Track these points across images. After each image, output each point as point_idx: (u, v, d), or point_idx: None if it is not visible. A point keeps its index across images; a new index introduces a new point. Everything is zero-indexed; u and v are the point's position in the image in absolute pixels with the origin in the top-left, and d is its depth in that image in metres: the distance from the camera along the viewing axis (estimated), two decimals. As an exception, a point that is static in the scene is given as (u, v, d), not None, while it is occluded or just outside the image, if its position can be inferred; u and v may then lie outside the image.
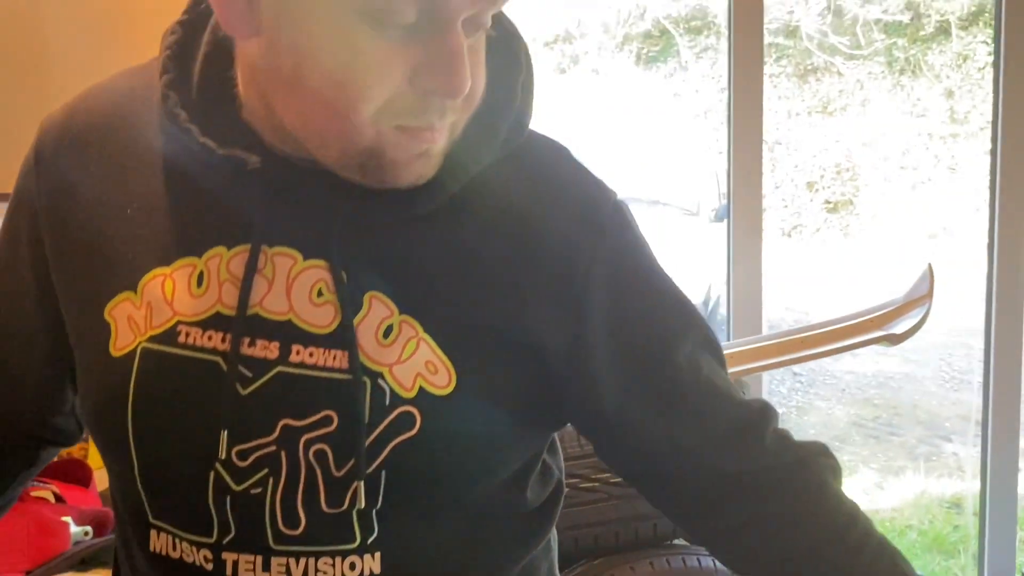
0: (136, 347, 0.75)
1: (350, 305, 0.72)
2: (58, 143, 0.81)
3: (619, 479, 1.74)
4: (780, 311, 5.49)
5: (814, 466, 0.82)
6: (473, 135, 0.73)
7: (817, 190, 6.03)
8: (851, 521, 0.81)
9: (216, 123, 0.74)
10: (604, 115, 5.45)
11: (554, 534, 0.93)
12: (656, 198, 4.96)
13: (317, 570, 0.73)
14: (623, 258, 0.79)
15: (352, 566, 0.74)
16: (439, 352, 0.73)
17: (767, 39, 5.96)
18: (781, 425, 0.84)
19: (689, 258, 4.01)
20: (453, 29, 0.64)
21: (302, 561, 0.73)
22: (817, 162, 5.95)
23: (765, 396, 4.83)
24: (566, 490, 1.71)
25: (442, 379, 0.73)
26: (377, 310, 0.73)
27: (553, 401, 0.79)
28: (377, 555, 0.74)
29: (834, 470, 0.84)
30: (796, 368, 4.79)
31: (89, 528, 1.47)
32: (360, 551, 0.74)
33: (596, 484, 1.75)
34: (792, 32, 5.76)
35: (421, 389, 0.72)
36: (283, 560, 0.73)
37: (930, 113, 5.55)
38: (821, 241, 5.87)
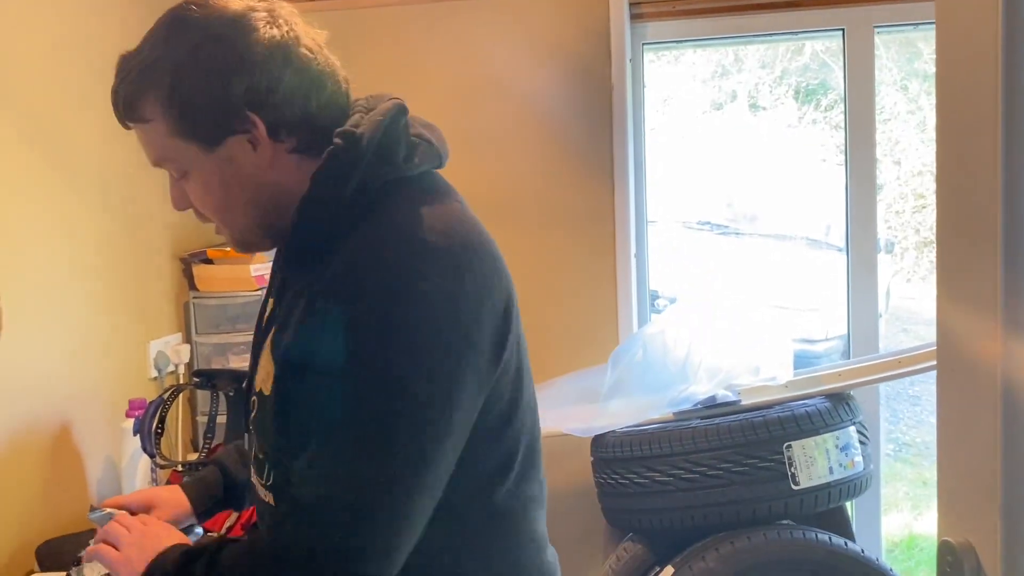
0: None
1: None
2: None
3: (741, 468, 2.16)
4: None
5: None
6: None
7: None
8: None
9: None
10: (763, 150, 5.73)
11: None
12: (810, 234, 5.20)
13: (262, 496, 1.13)
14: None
15: (265, 494, 1.13)
16: (272, 367, 1.09)
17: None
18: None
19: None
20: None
21: (260, 487, 1.14)
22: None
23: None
24: (696, 476, 2.13)
25: (268, 386, 1.10)
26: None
27: None
28: (271, 494, 1.11)
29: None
30: None
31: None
32: (266, 487, 1.12)
33: (720, 472, 2.16)
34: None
35: (260, 390, 1.13)
36: (257, 481, 1.15)
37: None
38: None
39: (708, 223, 5.16)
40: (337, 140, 1.04)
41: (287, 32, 1.05)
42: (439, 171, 1.17)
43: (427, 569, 1.04)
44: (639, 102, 2.85)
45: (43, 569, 1.95)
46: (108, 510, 1.33)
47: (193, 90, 1.02)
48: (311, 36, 1.09)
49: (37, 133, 2.14)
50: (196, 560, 1.02)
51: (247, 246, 1.14)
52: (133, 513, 1.30)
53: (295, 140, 1.07)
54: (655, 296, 2.94)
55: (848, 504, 2.40)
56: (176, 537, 1.13)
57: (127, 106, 1.06)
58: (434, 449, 0.97)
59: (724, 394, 2.32)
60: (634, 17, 2.80)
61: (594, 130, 2.75)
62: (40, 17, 2.17)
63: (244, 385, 1.23)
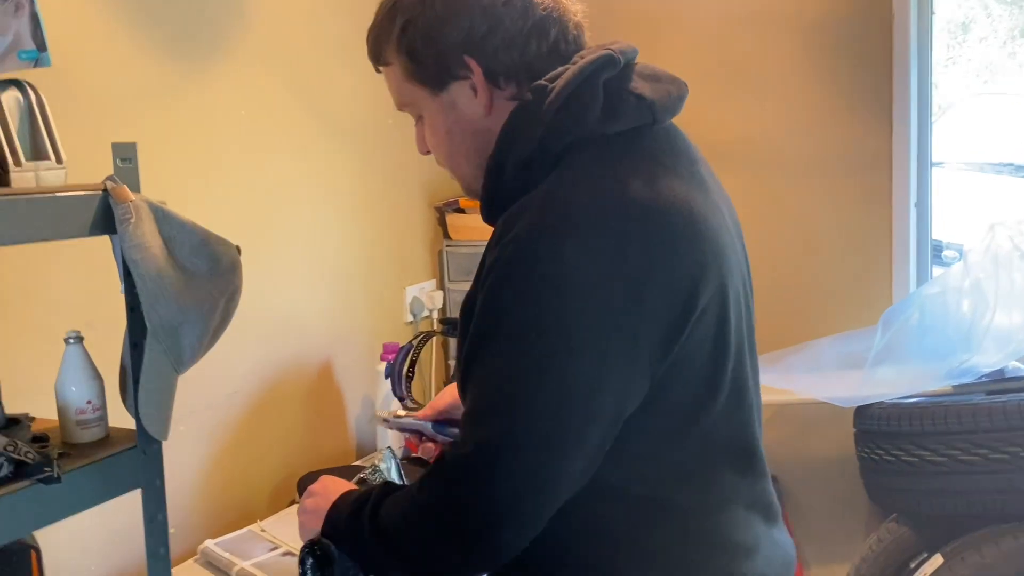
0: None
1: None
2: None
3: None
4: None
5: None
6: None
7: None
8: None
9: None
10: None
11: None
12: None
13: None
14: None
15: None
16: None
17: None
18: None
19: None
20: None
21: None
22: None
23: None
24: (975, 458, 1.89)
25: None
26: None
27: None
28: None
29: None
30: None
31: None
32: None
33: (1006, 456, 1.89)
34: None
35: None
36: None
37: None
38: None
39: (1009, 165, 4.54)
40: (527, 95, 1.02)
41: None
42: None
43: (575, 560, 0.99)
44: (925, 30, 2.51)
45: (303, 500, 2.09)
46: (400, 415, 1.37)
47: (418, 34, 1.03)
48: None
49: (301, 86, 2.25)
50: (363, 508, 1.02)
51: (475, 194, 1.12)
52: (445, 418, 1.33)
53: (514, 88, 1.04)
54: (939, 248, 2.61)
55: None
56: (344, 486, 1.12)
57: (374, 49, 1.10)
58: (573, 418, 0.91)
59: (1016, 367, 2.04)
60: (923, -67, 2.47)
61: (871, 63, 2.46)
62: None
63: None
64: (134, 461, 1.24)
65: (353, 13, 2.40)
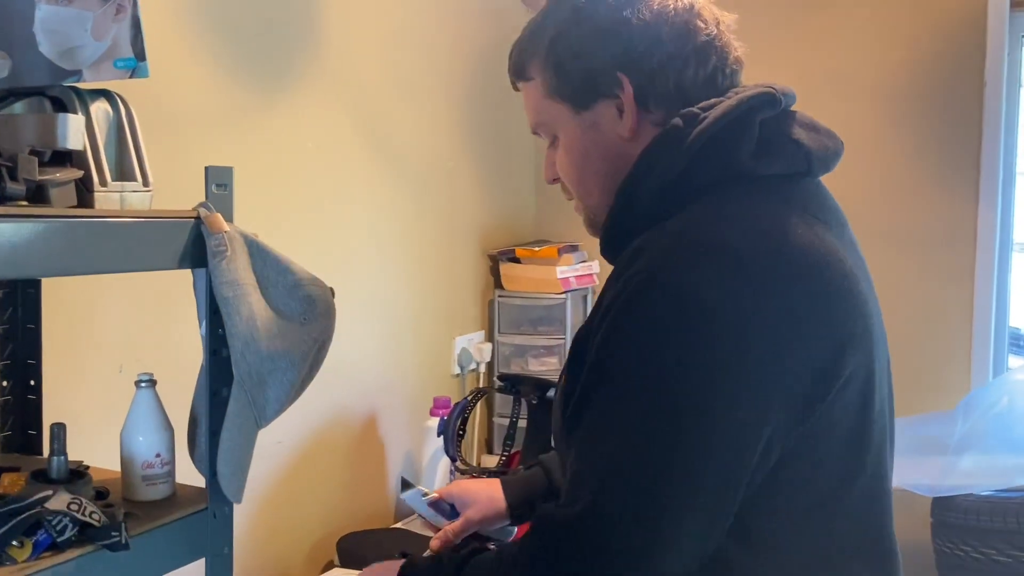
0: None
1: None
2: None
3: None
4: None
5: None
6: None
7: None
8: None
9: None
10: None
11: None
12: None
13: None
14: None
15: None
16: None
17: None
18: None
19: None
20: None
21: None
22: None
23: None
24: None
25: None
26: None
27: None
28: None
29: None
30: None
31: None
32: None
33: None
34: None
35: None
36: None
37: None
38: None
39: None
40: (676, 120, 0.94)
41: (681, 1, 0.97)
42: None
43: None
44: (1013, 103, 2.42)
45: (342, 563, 1.93)
46: (422, 488, 1.31)
47: (570, 48, 0.99)
48: (712, 10, 0.99)
49: (366, 122, 2.14)
50: (441, 564, 0.96)
51: (598, 228, 1.04)
52: (449, 506, 1.28)
53: (662, 113, 0.97)
54: (1017, 336, 2.49)
55: None
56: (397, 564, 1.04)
57: (516, 65, 1.05)
58: (698, 481, 0.82)
59: (1120, 466, 1.90)
60: (1015, 4, 2.38)
61: (957, 135, 2.37)
62: (376, 11, 2.16)
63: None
64: (203, 525, 1.09)
65: (421, 51, 2.32)
